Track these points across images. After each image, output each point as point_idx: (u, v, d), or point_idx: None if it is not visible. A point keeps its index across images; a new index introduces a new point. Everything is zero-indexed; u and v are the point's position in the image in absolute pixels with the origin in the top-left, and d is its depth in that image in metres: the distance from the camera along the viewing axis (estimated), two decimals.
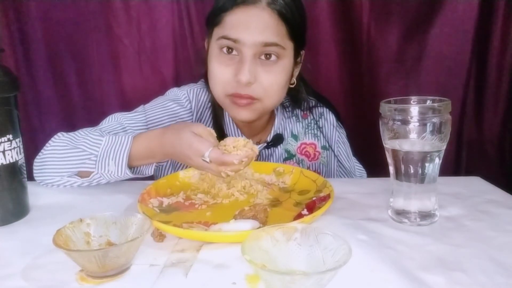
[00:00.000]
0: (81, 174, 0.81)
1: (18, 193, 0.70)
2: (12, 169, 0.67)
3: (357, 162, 1.06)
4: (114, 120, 0.91)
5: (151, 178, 0.85)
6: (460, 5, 1.34)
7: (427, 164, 0.62)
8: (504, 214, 0.67)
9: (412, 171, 0.62)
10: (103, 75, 1.40)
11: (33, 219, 0.70)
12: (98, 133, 0.84)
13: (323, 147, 1.02)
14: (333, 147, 1.02)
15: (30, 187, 0.73)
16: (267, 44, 0.81)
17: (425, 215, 0.64)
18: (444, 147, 0.62)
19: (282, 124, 1.01)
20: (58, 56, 1.38)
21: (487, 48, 1.37)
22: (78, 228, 0.54)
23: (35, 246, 0.58)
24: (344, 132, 1.06)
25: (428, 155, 0.61)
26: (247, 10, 0.81)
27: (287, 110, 1.02)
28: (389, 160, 0.65)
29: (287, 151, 1.01)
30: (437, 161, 0.62)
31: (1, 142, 0.65)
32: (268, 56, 0.83)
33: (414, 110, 0.60)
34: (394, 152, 0.63)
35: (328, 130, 1.03)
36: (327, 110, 1.04)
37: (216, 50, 0.85)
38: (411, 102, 0.64)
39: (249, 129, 0.97)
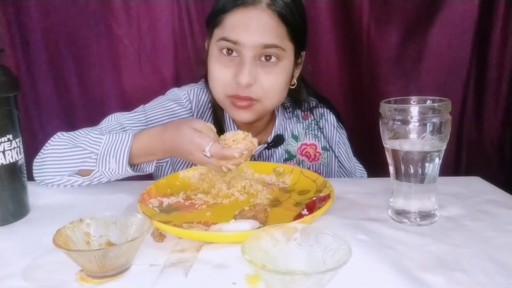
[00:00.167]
0: (82, 173, 0.81)
1: (18, 193, 0.70)
2: (12, 169, 0.67)
3: (358, 162, 1.06)
4: (114, 120, 0.91)
5: (151, 177, 0.85)
6: (460, 5, 1.34)
7: (427, 164, 0.62)
8: (504, 214, 0.67)
9: (412, 171, 0.62)
10: (103, 75, 1.40)
11: (33, 219, 0.70)
12: (98, 131, 0.84)
13: (324, 148, 1.02)
14: (333, 148, 1.02)
15: (30, 187, 0.73)
16: (267, 46, 0.81)
17: (425, 215, 0.64)
18: (444, 147, 0.62)
19: (283, 124, 1.01)
20: (58, 56, 1.38)
21: (487, 48, 1.37)
22: (78, 228, 0.54)
23: (35, 246, 0.58)
24: (345, 132, 1.06)
25: (428, 155, 0.61)
26: (247, 12, 0.81)
27: (287, 110, 1.02)
28: (389, 160, 0.65)
29: (288, 152, 1.01)
30: (437, 161, 0.62)
31: (1, 142, 0.65)
32: (268, 57, 0.83)
33: (414, 110, 0.60)
34: (394, 152, 0.63)
35: (329, 131, 1.02)
36: (328, 110, 1.04)
37: (216, 51, 0.85)
38: (411, 102, 0.64)
39: (250, 130, 0.96)
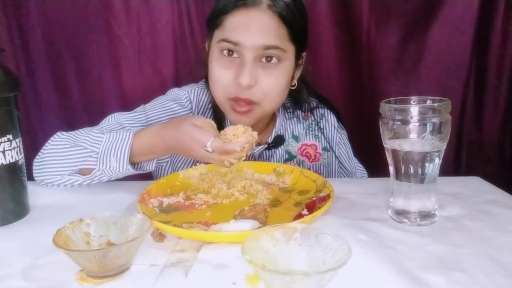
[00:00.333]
0: (82, 172, 0.81)
1: (18, 193, 0.70)
2: (12, 169, 0.67)
3: (358, 162, 1.06)
4: (114, 120, 0.91)
5: (151, 177, 0.85)
6: (460, 5, 1.34)
7: (427, 164, 0.62)
8: (504, 214, 0.67)
9: (412, 171, 0.62)
10: (103, 75, 1.40)
11: (33, 219, 0.70)
12: (98, 130, 0.84)
13: (324, 149, 1.02)
14: (334, 148, 1.02)
15: (30, 187, 0.73)
16: (267, 47, 0.81)
17: (425, 215, 0.64)
18: (444, 147, 0.62)
19: (283, 125, 1.01)
20: (58, 56, 1.38)
21: (487, 48, 1.37)
22: (78, 228, 0.54)
23: (35, 246, 0.58)
24: (345, 133, 1.06)
25: (428, 155, 0.61)
26: (247, 13, 0.80)
27: (288, 111, 1.02)
28: (389, 160, 0.65)
29: (288, 152, 1.01)
30: (437, 161, 0.62)
31: (1, 142, 0.65)
32: (269, 59, 0.83)
33: (414, 110, 0.60)
34: (394, 152, 0.63)
35: (329, 131, 1.02)
36: (328, 111, 1.04)
37: (216, 53, 0.85)
38: (411, 102, 0.64)
39: None
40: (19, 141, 0.68)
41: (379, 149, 0.67)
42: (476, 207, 0.70)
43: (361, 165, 1.06)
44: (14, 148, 0.67)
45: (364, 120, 1.32)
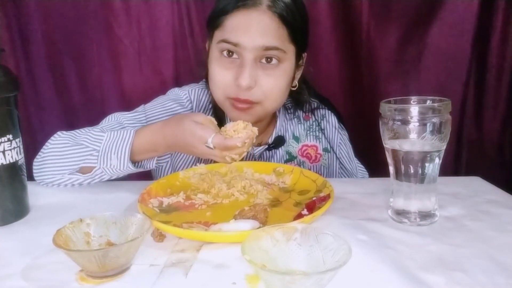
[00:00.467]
0: (82, 171, 0.81)
1: (18, 193, 0.70)
2: (12, 169, 0.67)
3: (359, 162, 1.06)
4: (114, 120, 0.91)
5: (150, 177, 0.85)
6: (460, 5, 1.34)
7: (427, 164, 0.62)
8: (504, 214, 0.67)
9: (412, 171, 0.62)
10: (103, 75, 1.40)
11: (33, 219, 0.70)
12: (99, 129, 0.84)
13: (325, 149, 1.02)
14: (335, 149, 1.02)
15: (30, 187, 0.73)
16: (267, 48, 0.81)
17: (425, 215, 0.64)
18: (444, 147, 0.62)
19: (284, 125, 1.01)
20: (58, 56, 1.38)
21: (487, 48, 1.37)
22: (78, 228, 0.54)
23: (35, 246, 0.58)
24: (346, 134, 1.06)
25: (428, 155, 0.61)
26: (247, 13, 0.80)
27: (289, 111, 1.02)
28: (389, 160, 0.65)
29: (288, 153, 1.01)
30: (437, 161, 0.62)
31: (1, 142, 0.65)
32: (269, 59, 0.83)
33: (414, 110, 0.60)
34: (394, 152, 0.63)
35: (330, 132, 1.02)
36: (329, 112, 1.04)
37: (216, 53, 0.85)
38: (411, 102, 0.64)
39: None
40: (19, 141, 0.68)
41: (379, 149, 0.67)
42: (476, 207, 0.70)
43: (362, 166, 1.06)
44: (14, 148, 0.67)
45: (364, 120, 1.32)
